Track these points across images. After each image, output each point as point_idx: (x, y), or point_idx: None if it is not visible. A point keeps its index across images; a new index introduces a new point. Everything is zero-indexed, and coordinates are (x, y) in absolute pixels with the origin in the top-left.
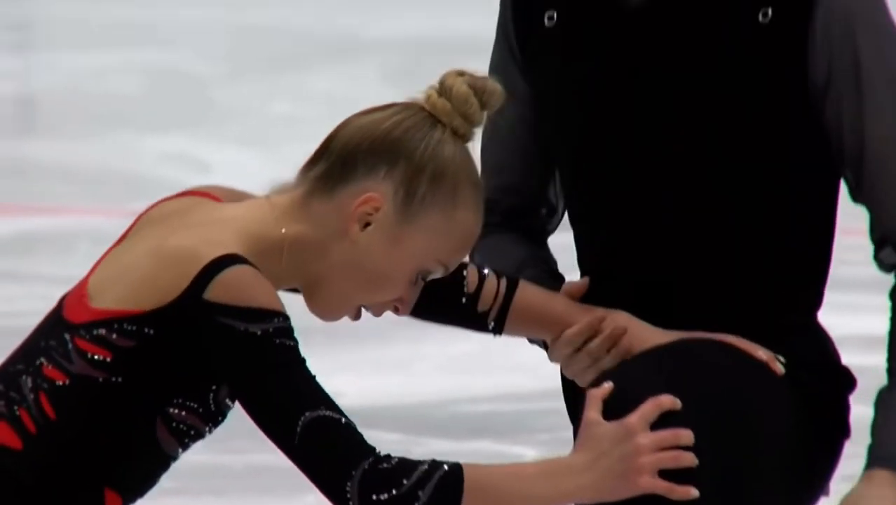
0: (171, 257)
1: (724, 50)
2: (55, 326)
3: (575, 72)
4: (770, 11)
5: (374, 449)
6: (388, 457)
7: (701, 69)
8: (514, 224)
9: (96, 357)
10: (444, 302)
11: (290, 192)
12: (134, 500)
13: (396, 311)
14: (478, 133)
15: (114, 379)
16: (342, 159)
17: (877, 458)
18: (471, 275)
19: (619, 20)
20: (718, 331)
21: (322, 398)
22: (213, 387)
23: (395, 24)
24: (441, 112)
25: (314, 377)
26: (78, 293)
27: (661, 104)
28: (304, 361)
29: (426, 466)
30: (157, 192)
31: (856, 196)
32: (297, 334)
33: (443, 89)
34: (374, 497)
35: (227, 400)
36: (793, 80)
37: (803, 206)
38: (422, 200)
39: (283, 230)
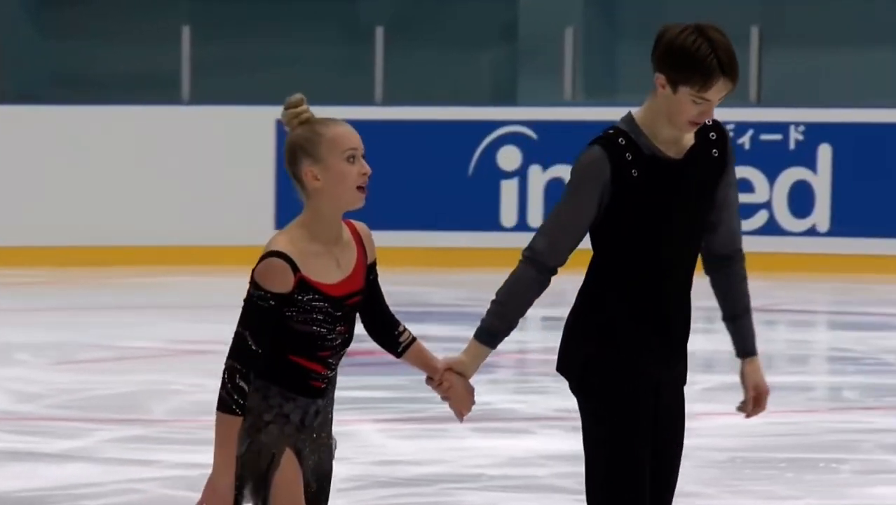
0: None
1: (704, 171)
2: None
3: (651, 195)
4: (716, 151)
5: (242, 362)
6: (242, 371)
7: (700, 181)
8: (543, 268)
9: None
10: (388, 346)
11: (304, 210)
12: (318, 358)
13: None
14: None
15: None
16: (291, 175)
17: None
18: (402, 336)
19: (670, 167)
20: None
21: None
22: (289, 300)
23: None
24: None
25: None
26: None
27: (687, 203)
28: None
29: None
30: None
31: (710, 229)
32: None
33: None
34: (230, 379)
35: (305, 299)
36: (720, 181)
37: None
38: (314, 151)
39: (306, 218)
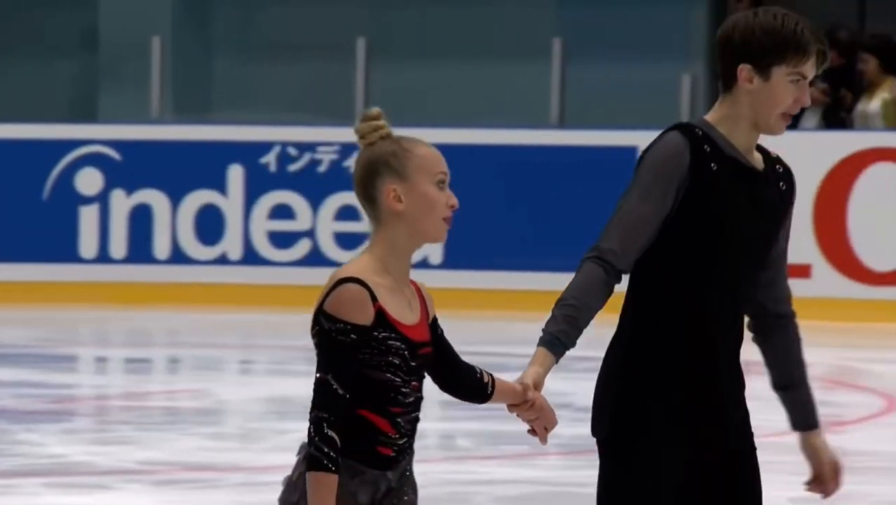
0: None
1: (775, 197)
2: None
3: (727, 199)
4: (783, 185)
5: (328, 410)
6: (330, 420)
7: (775, 208)
8: (612, 270)
9: None
10: (477, 393)
11: (372, 240)
12: (388, 414)
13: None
14: (370, 137)
15: None
16: (363, 195)
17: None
18: (485, 377)
19: (748, 173)
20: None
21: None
22: (367, 337)
23: None
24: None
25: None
26: None
27: (758, 224)
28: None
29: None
30: None
31: (765, 283)
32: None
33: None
34: (316, 432)
35: (381, 337)
36: (783, 220)
37: None
38: (401, 167)
39: (377, 248)
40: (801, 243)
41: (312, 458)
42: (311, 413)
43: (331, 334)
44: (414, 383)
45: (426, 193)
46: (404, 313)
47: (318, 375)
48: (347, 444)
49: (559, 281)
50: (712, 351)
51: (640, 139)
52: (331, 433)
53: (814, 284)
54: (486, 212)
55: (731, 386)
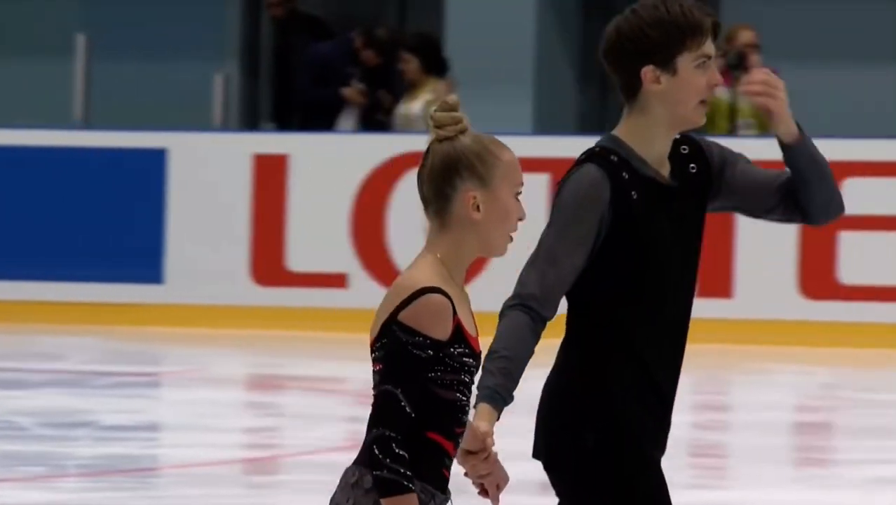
0: None
1: (689, 196)
2: None
3: (651, 224)
4: (693, 167)
5: (395, 428)
6: (398, 439)
7: (689, 211)
8: (538, 317)
9: None
10: None
11: (434, 236)
12: (454, 436)
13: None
14: (447, 129)
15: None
16: (435, 191)
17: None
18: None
19: (665, 193)
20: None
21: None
22: (441, 353)
23: None
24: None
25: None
26: None
27: (682, 238)
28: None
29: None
30: None
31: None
32: None
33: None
34: (385, 452)
35: (457, 353)
36: (705, 195)
37: None
38: (487, 173)
39: (442, 254)
40: (338, 251)
41: (389, 482)
42: (371, 430)
43: (406, 347)
44: (471, 401)
45: (506, 205)
46: (471, 325)
47: (385, 387)
48: (422, 467)
49: (87, 291)
50: (656, 375)
51: (170, 141)
52: (401, 452)
53: (351, 295)
54: (4, 217)
55: (669, 409)
